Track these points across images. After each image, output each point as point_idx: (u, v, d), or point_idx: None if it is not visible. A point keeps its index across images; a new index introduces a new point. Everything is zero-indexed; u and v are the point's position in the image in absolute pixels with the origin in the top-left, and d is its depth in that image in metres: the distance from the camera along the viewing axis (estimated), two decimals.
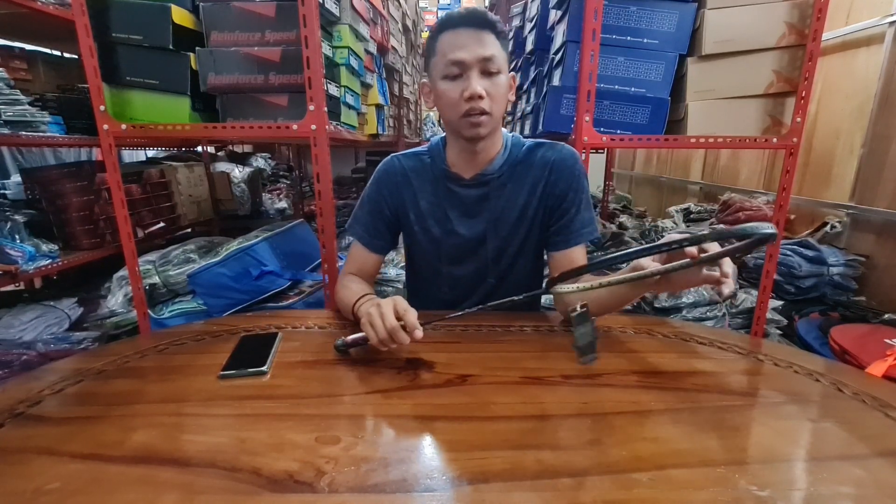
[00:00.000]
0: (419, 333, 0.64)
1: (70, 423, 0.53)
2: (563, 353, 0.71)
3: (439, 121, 4.71)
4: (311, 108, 1.18)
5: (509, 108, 0.86)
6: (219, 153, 3.47)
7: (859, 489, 0.42)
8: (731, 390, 0.62)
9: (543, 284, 0.72)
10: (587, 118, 1.26)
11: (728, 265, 0.60)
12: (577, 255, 0.85)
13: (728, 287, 0.60)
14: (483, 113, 0.77)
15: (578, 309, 0.62)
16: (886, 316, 1.60)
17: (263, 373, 0.64)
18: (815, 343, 1.49)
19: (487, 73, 0.76)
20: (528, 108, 2.05)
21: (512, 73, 0.84)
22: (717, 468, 0.45)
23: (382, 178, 0.91)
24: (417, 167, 0.90)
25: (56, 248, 1.70)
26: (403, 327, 0.64)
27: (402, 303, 0.66)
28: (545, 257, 0.93)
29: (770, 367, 0.67)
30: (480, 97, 0.75)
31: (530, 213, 0.87)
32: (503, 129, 0.89)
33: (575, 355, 0.63)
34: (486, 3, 4.47)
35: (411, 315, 0.64)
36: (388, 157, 0.93)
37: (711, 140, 1.32)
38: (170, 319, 1.53)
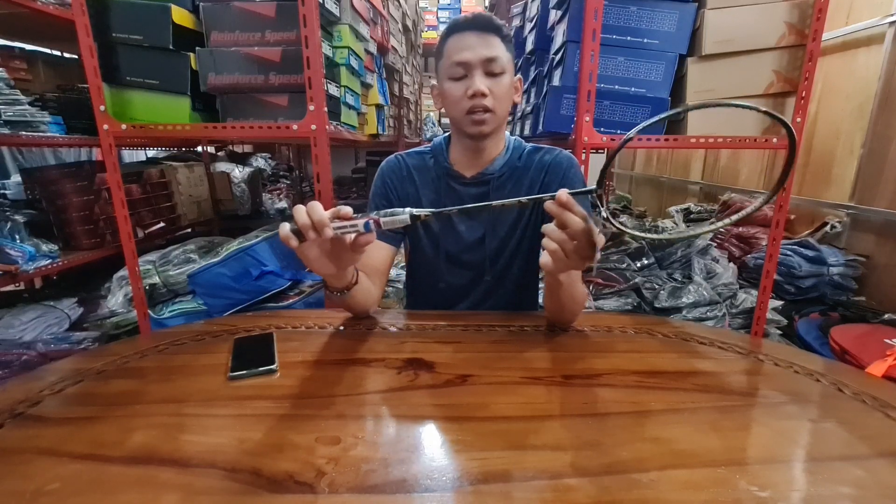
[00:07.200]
0: (329, 231, 0.62)
1: (70, 423, 0.53)
2: (563, 353, 0.71)
3: (440, 120, 4.71)
4: (311, 108, 1.18)
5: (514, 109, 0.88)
6: (219, 153, 3.47)
7: (860, 490, 0.42)
8: (731, 390, 0.62)
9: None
10: (587, 118, 1.26)
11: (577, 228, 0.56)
12: None
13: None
14: (486, 110, 0.79)
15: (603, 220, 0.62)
16: (886, 316, 1.60)
17: (274, 371, 0.63)
18: (815, 343, 1.49)
19: (491, 74, 0.79)
20: (528, 108, 2.05)
21: (518, 76, 0.87)
22: (718, 468, 0.45)
23: (387, 171, 0.93)
24: (420, 165, 0.92)
25: (56, 248, 1.70)
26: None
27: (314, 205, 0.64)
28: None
29: (770, 367, 0.67)
30: (483, 94, 0.78)
31: (527, 215, 0.89)
32: (506, 133, 0.91)
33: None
34: (487, 4, 4.46)
35: (316, 210, 0.63)
36: (390, 155, 0.95)
37: (711, 140, 1.32)
38: (170, 319, 1.53)
